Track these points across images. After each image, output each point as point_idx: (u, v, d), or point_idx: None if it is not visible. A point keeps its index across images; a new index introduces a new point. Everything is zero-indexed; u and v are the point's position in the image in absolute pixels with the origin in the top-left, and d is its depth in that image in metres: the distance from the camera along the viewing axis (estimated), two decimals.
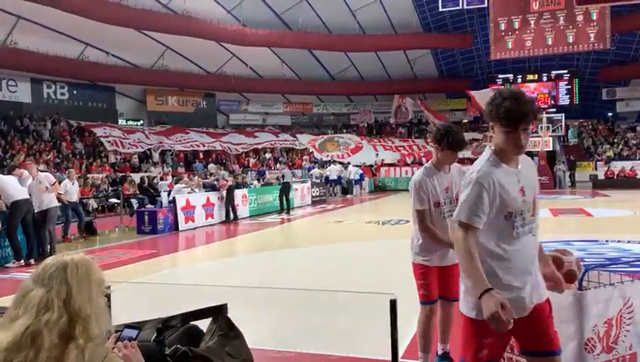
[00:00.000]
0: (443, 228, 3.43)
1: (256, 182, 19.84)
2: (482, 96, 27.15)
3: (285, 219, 15.57)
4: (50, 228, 9.26)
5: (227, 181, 14.90)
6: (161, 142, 27.34)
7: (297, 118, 38.76)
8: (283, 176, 17.81)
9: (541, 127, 27.75)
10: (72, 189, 11.49)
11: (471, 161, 29.33)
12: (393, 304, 2.54)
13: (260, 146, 31.76)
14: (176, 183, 14.42)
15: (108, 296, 1.86)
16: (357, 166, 27.16)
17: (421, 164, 3.76)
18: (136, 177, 20.13)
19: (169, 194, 13.50)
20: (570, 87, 34.66)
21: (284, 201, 17.12)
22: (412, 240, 3.63)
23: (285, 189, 17.18)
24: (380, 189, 28.03)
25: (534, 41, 28.96)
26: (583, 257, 7.91)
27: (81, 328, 1.55)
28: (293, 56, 32.46)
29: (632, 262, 7.49)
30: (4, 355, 1.46)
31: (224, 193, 14.49)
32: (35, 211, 8.96)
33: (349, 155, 30.79)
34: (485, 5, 28.66)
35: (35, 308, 1.52)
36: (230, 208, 14.60)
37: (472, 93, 29.90)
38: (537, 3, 28.43)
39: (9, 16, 22.47)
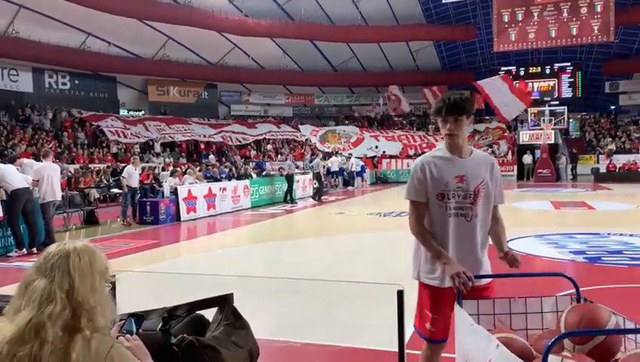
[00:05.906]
0: (444, 231, 2.56)
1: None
2: (489, 85, 26.87)
3: (287, 210, 15.57)
4: (48, 219, 9.22)
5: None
6: (162, 130, 27.33)
7: (299, 109, 38.65)
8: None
9: (543, 120, 27.68)
10: (134, 174, 12.81)
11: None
12: (400, 294, 2.53)
13: (261, 137, 31.72)
14: (171, 175, 14.54)
15: (113, 284, 1.83)
16: (358, 158, 27.14)
17: None
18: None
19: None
20: (573, 79, 34.53)
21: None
22: (415, 248, 2.73)
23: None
24: (382, 181, 28.03)
25: (538, 33, 28.79)
26: (585, 250, 7.90)
27: (86, 319, 1.52)
28: (295, 47, 32.32)
29: (634, 255, 7.49)
30: (7, 348, 1.43)
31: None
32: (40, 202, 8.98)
33: (350, 147, 30.73)
34: None
35: (38, 300, 1.49)
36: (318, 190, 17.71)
37: (480, 82, 29.49)
38: None
39: (10, 5, 22.35)
